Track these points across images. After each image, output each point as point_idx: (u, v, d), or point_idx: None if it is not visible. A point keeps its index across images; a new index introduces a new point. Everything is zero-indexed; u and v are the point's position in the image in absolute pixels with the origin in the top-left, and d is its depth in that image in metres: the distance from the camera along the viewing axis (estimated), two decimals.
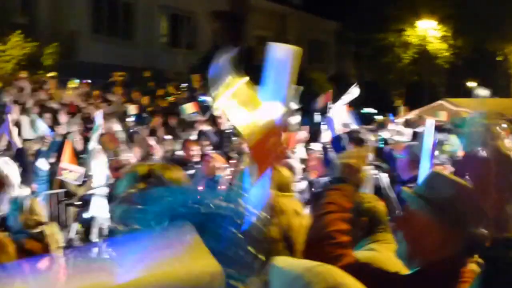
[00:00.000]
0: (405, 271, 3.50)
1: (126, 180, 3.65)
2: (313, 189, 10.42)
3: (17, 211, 7.17)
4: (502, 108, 26.15)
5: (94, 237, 11.79)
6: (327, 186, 3.72)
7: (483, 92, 13.22)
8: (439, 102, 27.87)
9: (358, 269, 3.11)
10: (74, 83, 21.57)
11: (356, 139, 9.30)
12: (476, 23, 43.34)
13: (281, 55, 3.51)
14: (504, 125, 8.98)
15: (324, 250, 3.36)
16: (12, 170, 10.32)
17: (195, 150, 12.15)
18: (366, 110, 23.63)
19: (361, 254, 4.10)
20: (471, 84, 43.58)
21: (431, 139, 6.78)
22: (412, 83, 42.40)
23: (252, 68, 20.35)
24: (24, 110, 16.43)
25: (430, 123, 7.27)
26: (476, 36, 44.78)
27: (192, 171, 11.14)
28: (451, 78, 45.27)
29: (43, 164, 12.52)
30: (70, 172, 12.25)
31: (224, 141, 14.95)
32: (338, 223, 3.46)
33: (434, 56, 45.34)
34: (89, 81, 22.96)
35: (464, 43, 45.46)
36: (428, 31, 44.89)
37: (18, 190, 10.25)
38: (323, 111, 19.11)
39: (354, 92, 12.72)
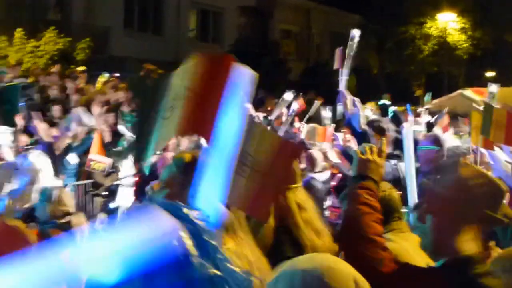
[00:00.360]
0: (423, 262, 3.54)
1: (170, 167, 3.70)
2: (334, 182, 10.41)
3: (45, 202, 7.32)
4: None
5: None
6: (353, 184, 3.61)
7: (494, 88, 12.67)
8: (458, 91, 27.63)
9: (401, 271, 3.29)
10: (104, 76, 21.56)
11: (378, 128, 9.24)
12: (494, 15, 43.36)
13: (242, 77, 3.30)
14: None
15: (366, 253, 3.28)
16: (44, 163, 10.55)
17: None
18: (382, 101, 23.29)
19: None
20: (490, 74, 43.53)
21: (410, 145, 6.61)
22: (432, 74, 41.99)
23: (277, 61, 20.59)
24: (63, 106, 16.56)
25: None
26: (494, 28, 44.63)
27: None
28: (470, 68, 44.73)
29: (72, 158, 12.65)
30: (98, 163, 12.45)
31: None
32: (375, 226, 3.43)
33: (453, 47, 44.86)
34: (118, 74, 22.85)
35: (483, 34, 45.23)
36: (447, 23, 44.45)
37: (50, 182, 10.50)
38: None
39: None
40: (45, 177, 10.15)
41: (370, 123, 10.23)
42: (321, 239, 3.58)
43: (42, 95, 17.28)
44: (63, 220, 6.97)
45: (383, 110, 19.32)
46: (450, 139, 11.11)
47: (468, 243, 3.20)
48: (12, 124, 13.42)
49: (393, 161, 9.29)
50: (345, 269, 2.21)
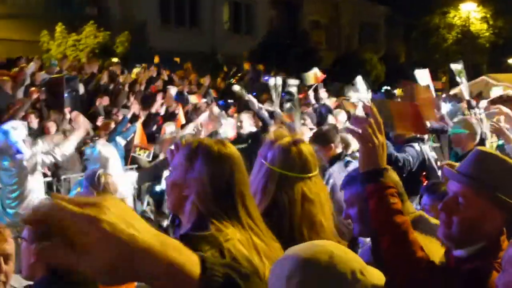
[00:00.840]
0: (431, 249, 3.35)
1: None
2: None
3: (90, 187, 7.18)
4: None
5: (165, 208, 11.91)
6: (373, 185, 3.28)
7: (459, 66, 13.15)
8: (481, 77, 27.78)
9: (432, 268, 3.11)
10: (139, 68, 21.69)
11: None
12: None
13: None
14: None
15: (408, 258, 3.11)
16: (111, 151, 10.59)
17: None
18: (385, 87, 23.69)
19: None
20: (511, 61, 44.17)
21: None
22: (458, 62, 42.08)
23: (307, 51, 20.43)
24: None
25: None
26: None
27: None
28: (492, 56, 45.12)
29: (121, 140, 12.73)
30: (142, 149, 12.59)
31: None
32: (411, 230, 3.17)
33: (476, 36, 45.86)
34: (153, 67, 23.04)
35: (504, 23, 46.11)
36: (470, 13, 45.32)
37: (119, 168, 10.62)
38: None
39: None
40: (114, 165, 10.34)
41: None
42: (318, 233, 3.35)
43: (86, 87, 17.28)
44: None
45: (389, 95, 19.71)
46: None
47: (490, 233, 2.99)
48: (61, 113, 13.45)
49: (416, 144, 9.20)
50: (344, 258, 2.16)
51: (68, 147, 9.83)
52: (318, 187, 3.50)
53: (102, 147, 10.88)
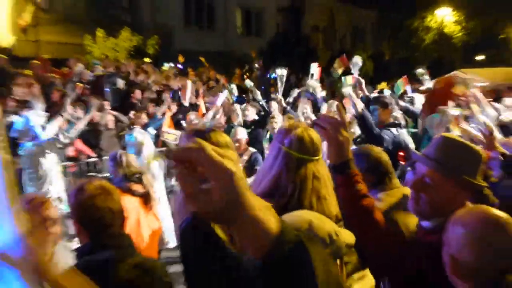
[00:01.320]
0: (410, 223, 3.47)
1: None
2: None
3: (115, 166, 7.29)
4: (505, 75, 25.70)
5: None
6: (343, 174, 3.35)
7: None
8: (454, 72, 27.44)
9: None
10: (167, 66, 21.70)
11: (382, 102, 9.03)
12: (483, 10, 43.75)
13: None
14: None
15: (374, 233, 3.15)
16: (145, 137, 10.66)
17: None
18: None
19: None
20: (479, 57, 44.28)
21: None
22: (435, 59, 41.82)
23: (308, 51, 20.39)
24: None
25: None
26: (484, 20, 45.12)
27: None
28: (464, 54, 44.87)
29: (151, 130, 12.83)
30: (169, 134, 12.67)
31: None
32: (376, 210, 3.26)
33: (450, 37, 45.41)
34: (180, 65, 22.99)
35: (475, 25, 45.84)
36: (445, 17, 45.12)
37: (151, 152, 10.67)
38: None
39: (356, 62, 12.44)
40: (147, 148, 10.47)
41: (376, 98, 9.84)
42: (323, 204, 3.26)
43: (123, 83, 17.37)
44: (134, 178, 7.04)
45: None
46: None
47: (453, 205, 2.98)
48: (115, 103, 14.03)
49: (394, 129, 9.19)
50: (321, 224, 2.25)
51: (73, 133, 9.84)
52: (323, 168, 3.50)
53: (138, 134, 11.06)
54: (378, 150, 4.60)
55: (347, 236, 2.19)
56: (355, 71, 12.28)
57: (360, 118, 8.83)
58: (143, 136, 11.24)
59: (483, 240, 2.39)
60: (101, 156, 11.99)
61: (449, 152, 3.13)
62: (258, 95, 13.81)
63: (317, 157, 3.46)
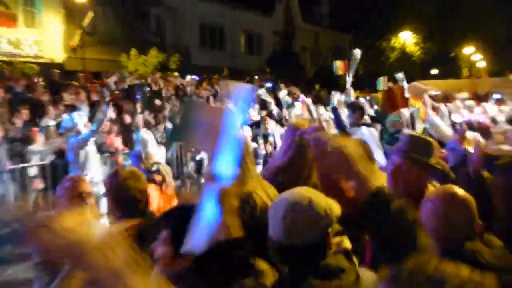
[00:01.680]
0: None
1: None
2: None
3: (138, 162, 7.33)
4: (454, 86, 25.80)
5: (203, 170, 11.94)
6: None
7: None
8: (413, 83, 27.47)
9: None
10: (187, 79, 21.66)
11: (357, 107, 8.91)
12: (437, 34, 43.79)
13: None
14: None
15: None
16: (149, 135, 10.67)
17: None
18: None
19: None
20: (434, 71, 44.77)
21: None
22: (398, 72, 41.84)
23: (298, 66, 20.23)
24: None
25: None
26: (437, 42, 45.07)
27: None
28: (422, 68, 44.70)
29: (169, 125, 12.91)
30: None
31: None
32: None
33: (410, 55, 45.08)
34: (196, 77, 22.92)
35: (430, 46, 45.49)
36: (406, 39, 44.78)
37: (155, 148, 10.65)
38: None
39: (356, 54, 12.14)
40: (151, 144, 10.88)
41: (352, 103, 9.65)
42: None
43: (151, 92, 17.33)
44: (154, 168, 7.06)
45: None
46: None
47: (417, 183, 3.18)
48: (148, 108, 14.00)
49: (364, 127, 9.17)
50: (318, 200, 2.16)
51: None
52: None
53: (143, 133, 11.47)
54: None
55: (337, 210, 2.18)
56: (354, 65, 11.91)
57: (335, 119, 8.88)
58: (147, 135, 11.54)
59: (445, 214, 2.44)
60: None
61: (413, 145, 3.26)
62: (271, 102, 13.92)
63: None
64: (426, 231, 2.51)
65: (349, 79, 11.37)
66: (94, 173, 9.10)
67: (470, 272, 1.15)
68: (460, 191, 2.53)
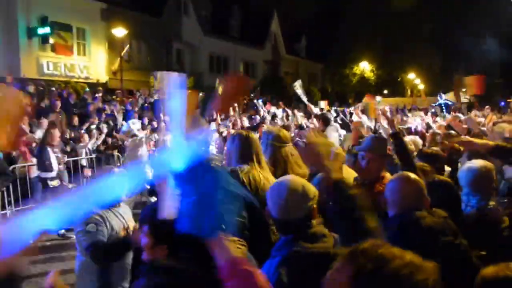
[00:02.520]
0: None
1: None
2: None
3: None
4: (400, 102, 25.76)
5: None
6: None
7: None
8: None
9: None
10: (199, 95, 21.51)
11: (325, 118, 8.88)
12: (387, 63, 44.35)
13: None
14: None
15: None
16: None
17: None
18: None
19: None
20: (385, 91, 44.18)
21: None
22: (358, 92, 41.91)
23: (283, 87, 20.11)
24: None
25: None
26: (387, 69, 45.53)
27: None
28: (376, 89, 44.82)
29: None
30: None
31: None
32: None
33: (367, 79, 45.26)
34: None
35: (382, 72, 45.92)
36: (364, 68, 44.95)
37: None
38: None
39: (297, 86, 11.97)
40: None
41: (321, 114, 9.51)
42: (299, 171, 3.41)
43: None
44: None
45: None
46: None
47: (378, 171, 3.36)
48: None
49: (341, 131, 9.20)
50: (308, 185, 2.17)
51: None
52: (293, 150, 3.62)
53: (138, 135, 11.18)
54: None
55: (315, 191, 2.18)
56: (299, 91, 11.66)
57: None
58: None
59: (400, 189, 2.54)
60: None
61: (374, 142, 3.44)
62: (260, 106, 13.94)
63: (288, 144, 3.59)
64: (388, 203, 2.57)
65: (305, 99, 11.58)
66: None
67: (413, 256, 1.10)
68: (412, 175, 2.62)
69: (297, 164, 3.53)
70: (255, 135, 3.51)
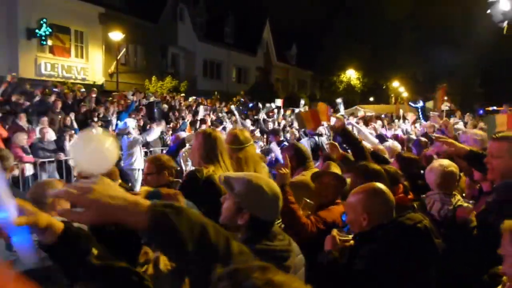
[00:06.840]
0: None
1: None
2: None
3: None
4: (385, 109, 25.95)
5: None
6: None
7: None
8: (355, 107, 27.75)
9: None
10: (192, 99, 21.38)
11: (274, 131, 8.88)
12: (373, 71, 43.88)
13: None
14: None
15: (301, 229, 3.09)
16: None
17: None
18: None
19: (296, 178, 3.87)
20: (371, 99, 44.27)
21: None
22: (345, 99, 42.03)
23: (273, 93, 20.18)
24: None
25: None
26: (373, 77, 45.26)
27: None
28: (362, 96, 44.97)
29: (184, 134, 12.70)
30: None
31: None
32: (301, 214, 3.21)
33: (354, 86, 45.28)
34: (200, 99, 22.63)
35: (368, 80, 45.61)
36: (351, 75, 45.03)
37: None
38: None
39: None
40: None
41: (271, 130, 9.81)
42: (260, 171, 3.39)
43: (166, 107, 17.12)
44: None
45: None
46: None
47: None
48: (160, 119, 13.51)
49: (316, 137, 9.24)
50: (273, 184, 2.06)
51: (151, 136, 9.80)
52: (253, 150, 3.56)
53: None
54: (301, 144, 4.49)
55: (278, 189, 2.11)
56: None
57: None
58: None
59: (365, 201, 2.45)
60: (149, 147, 11.72)
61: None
62: (237, 115, 13.87)
63: (248, 144, 3.48)
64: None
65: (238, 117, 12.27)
66: (140, 164, 9.26)
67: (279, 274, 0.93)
68: (380, 185, 2.54)
69: (258, 166, 3.49)
70: (220, 133, 3.45)
